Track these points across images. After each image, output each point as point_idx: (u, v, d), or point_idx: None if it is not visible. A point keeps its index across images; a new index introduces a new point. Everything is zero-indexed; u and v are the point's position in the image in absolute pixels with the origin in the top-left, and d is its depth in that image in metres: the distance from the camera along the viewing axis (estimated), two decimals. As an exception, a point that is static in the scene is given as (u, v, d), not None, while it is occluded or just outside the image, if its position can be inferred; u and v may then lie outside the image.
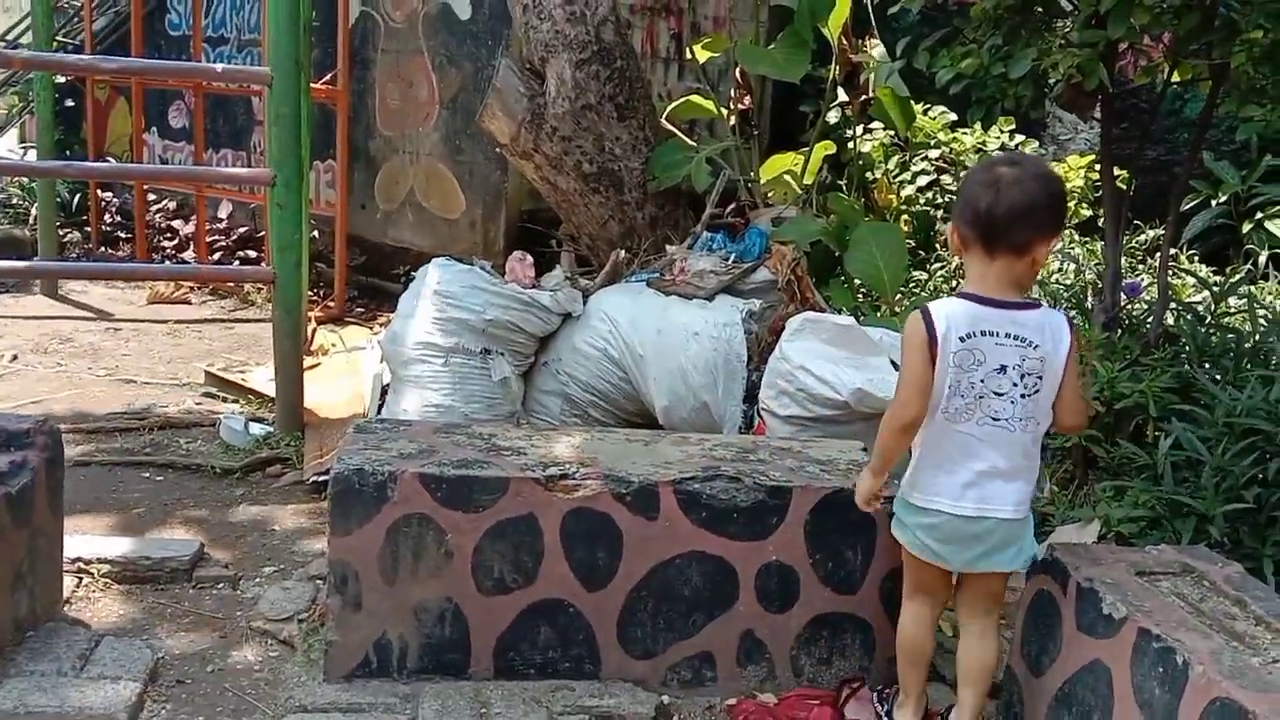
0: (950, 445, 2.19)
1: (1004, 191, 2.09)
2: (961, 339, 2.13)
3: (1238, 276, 5.03)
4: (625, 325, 3.86)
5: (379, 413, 3.95)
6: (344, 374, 4.72)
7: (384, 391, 4.02)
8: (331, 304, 6.20)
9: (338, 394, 4.41)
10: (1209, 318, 4.14)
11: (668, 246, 4.46)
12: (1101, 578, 2.22)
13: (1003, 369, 2.14)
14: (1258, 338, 3.89)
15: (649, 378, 3.77)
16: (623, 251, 4.42)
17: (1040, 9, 3.91)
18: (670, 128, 5.08)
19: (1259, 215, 5.94)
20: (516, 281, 3.94)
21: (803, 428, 3.38)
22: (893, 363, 3.43)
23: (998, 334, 2.14)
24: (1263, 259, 5.75)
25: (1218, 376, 3.59)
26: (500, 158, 5.47)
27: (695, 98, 5.34)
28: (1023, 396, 2.15)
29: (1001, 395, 2.15)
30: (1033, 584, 2.40)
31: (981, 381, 2.14)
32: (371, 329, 5.79)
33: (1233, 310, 4.41)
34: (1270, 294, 5.31)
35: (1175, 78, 4.13)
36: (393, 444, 2.52)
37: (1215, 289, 4.34)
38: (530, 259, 4.08)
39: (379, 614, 2.39)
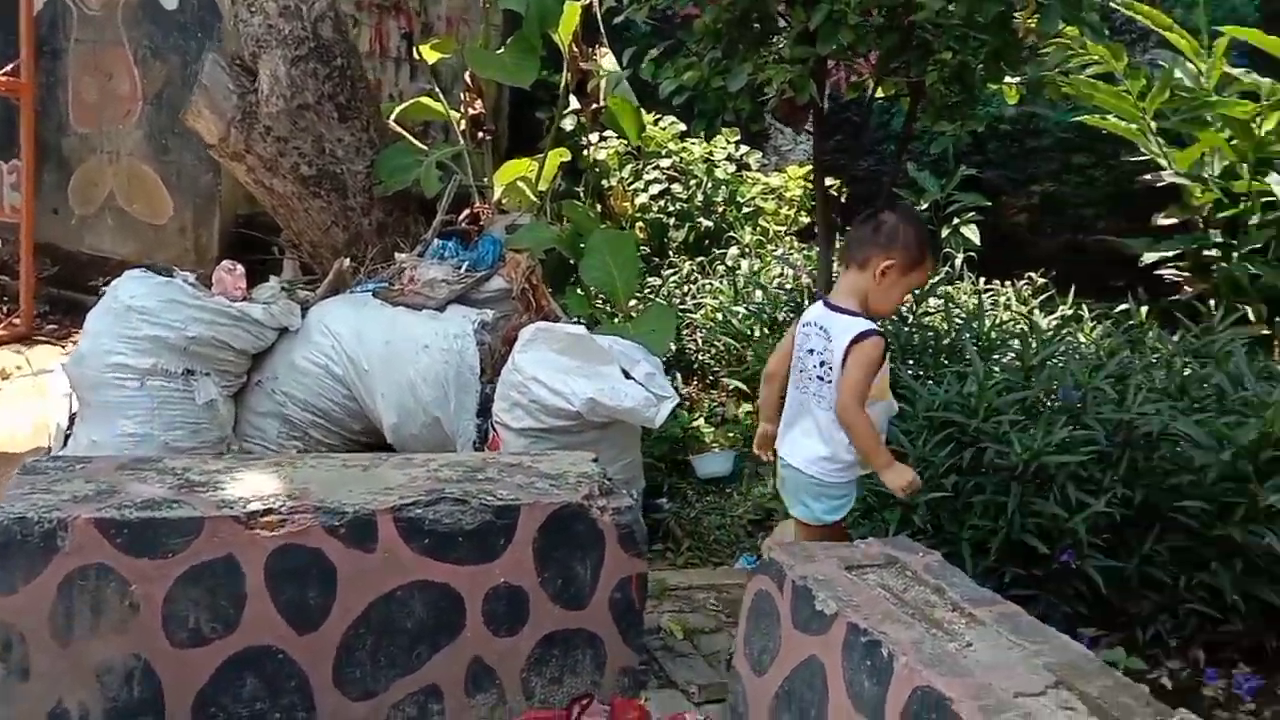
0: (788, 403, 2.77)
1: (860, 222, 2.70)
2: (803, 325, 2.73)
3: (936, 278, 5.45)
4: (349, 339, 3.66)
5: (65, 445, 3.54)
6: (30, 400, 4.23)
7: (73, 420, 3.61)
8: (17, 321, 5.56)
9: (21, 424, 3.94)
10: (911, 318, 4.45)
11: (396, 254, 4.29)
12: (815, 575, 2.30)
13: (810, 351, 2.67)
14: (953, 335, 4.22)
15: (376, 394, 3.59)
16: (347, 260, 4.20)
17: (757, 24, 4.06)
18: (399, 130, 4.90)
19: (955, 221, 6.49)
20: (225, 293, 3.65)
21: (537, 439, 3.33)
22: (624, 371, 3.45)
23: (815, 325, 2.67)
24: (959, 261, 6.28)
25: (919, 373, 3.85)
26: (213, 158, 5.08)
27: (425, 99, 5.18)
28: (819, 378, 2.66)
29: (805, 372, 2.70)
30: (753, 584, 2.46)
31: (800, 357, 2.71)
32: (64, 348, 5.23)
33: (932, 310, 4.77)
34: (965, 294, 5.79)
35: (880, 93, 4.42)
36: (66, 485, 2.24)
37: (915, 291, 4.67)
38: (240, 269, 3.79)
39: (52, 680, 2.11)
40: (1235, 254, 5.26)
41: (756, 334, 4.99)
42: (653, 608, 3.12)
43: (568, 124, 5.99)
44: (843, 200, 5.26)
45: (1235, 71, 5.36)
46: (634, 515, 2.52)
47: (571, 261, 4.69)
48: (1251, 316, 5.26)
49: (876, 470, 2.68)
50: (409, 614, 2.33)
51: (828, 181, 4.93)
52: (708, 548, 3.74)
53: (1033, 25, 3.64)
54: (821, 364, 2.64)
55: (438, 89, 5.13)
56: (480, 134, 5.04)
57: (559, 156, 5.41)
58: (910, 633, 2.07)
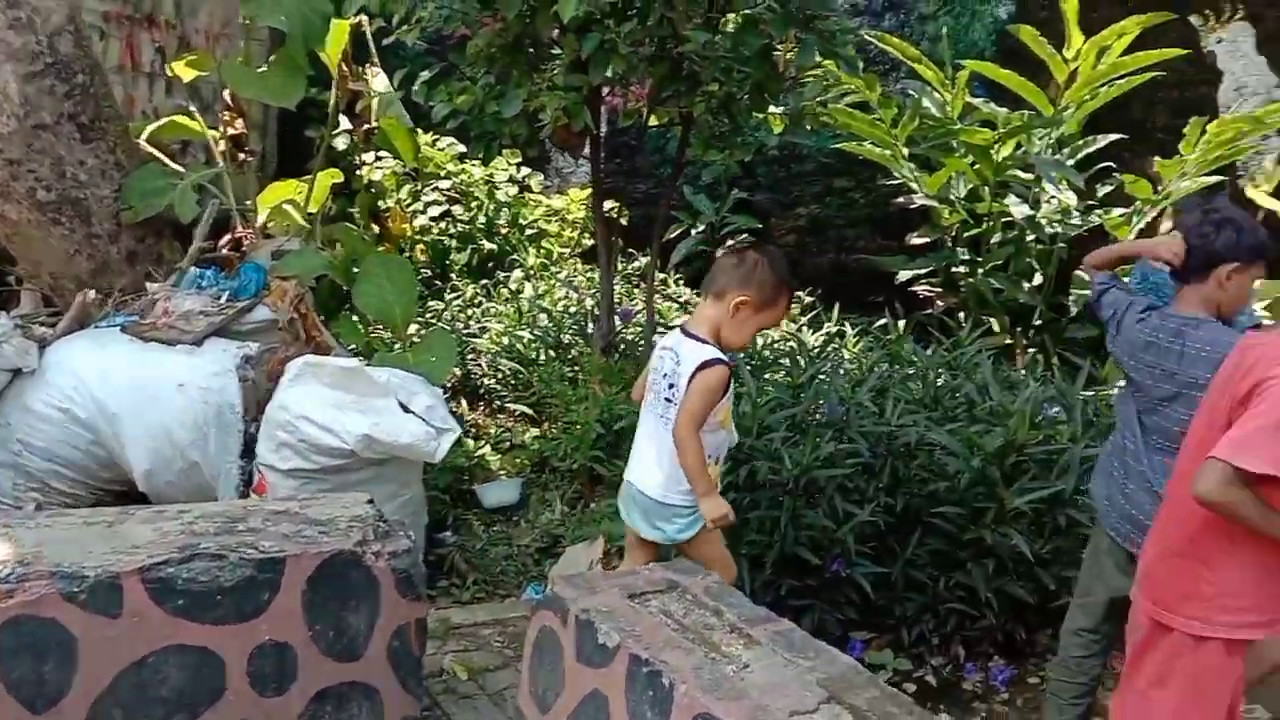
0: (640, 425, 2.81)
1: (724, 255, 2.81)
2: (659, 349, 2.79)
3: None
4: (93, 378, 3.36)
5: None
6: None
7: None
8: None
9: None
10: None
11: (148, 285, 3.98)
12: (598, 607, 2.29)
13: (663, 375, 2.72)
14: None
15: (125, 439, 3.31)
16: (92, 292, 3.87)
17: (530, 50, 4.05)
18: (152, 151, 4.56)
19: (730, 242, 6.72)
20: (-55, 334, 3.28)
21: (307, 481, 3.16)
22: (402, 404, 3.34)
23: (670, 349, 2.73)
24: (735, 281, 6.50)
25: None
26: (-69, 181, 4.56)
27: (179, 118, 4.85)
28: (666, 400, 2.70)
29: (656, 394, 2.74)
30: (536, 620, 2.43)
31: (654, 380, 2.76)
32: None
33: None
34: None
35: (653, 121, 4.51)
36: None
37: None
38: (-37, 304, 3.42)
39: None
40: (980, 270, 5.71)
41: (541, 358, 4.97)
42: (436, 649, 3.03)
43: (339, 143, 5.79)
44: (623, 222, 5.35)
45: (976, 101, 5.83)
46: (412, 559, 2.43)
47: (345, 288, 4.51)
48: (996, 327, 5.73)
49: (696, 495, 2.67)
50: (163, 681, 2.15)
51: (607, 204, 4.98)
52: (494, 580, 3.67)
53: (792, 59, 3.82)
54: (670, 387, 2.69)
55: (194, 107, 4.83)
56: (242, 154, 4.78)
57: (330, 178, 5.20)
58: (690, 659, 2.09)
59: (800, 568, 3.21)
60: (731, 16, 3.89)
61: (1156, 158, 5.54)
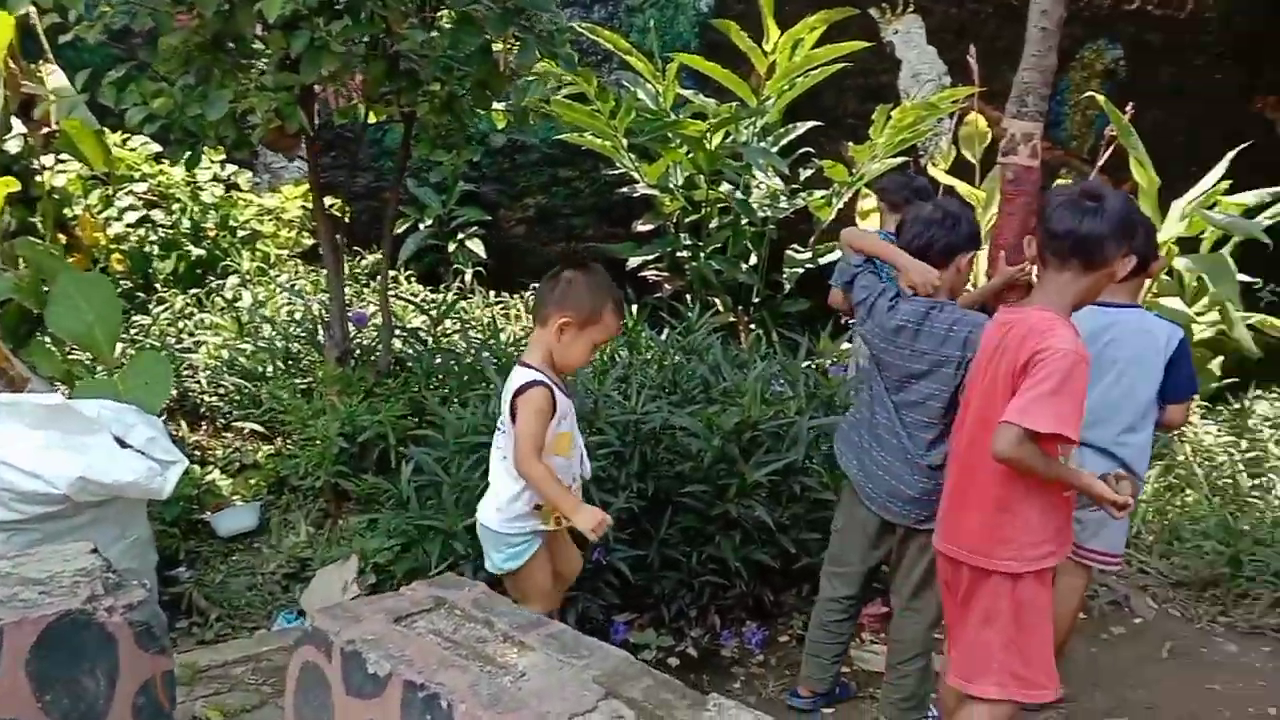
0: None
1: (545, 280, 2.77)
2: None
3: (451, 297, 5.55)
4: None
5: None
6: None
7: None
8: None
9: None
10: (430, 340, 4.48)
11: None
12: (363, 636, 2.21)
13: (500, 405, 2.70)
14: (473, 354, 4.31)
15: None
16: None
17: (233, 48, 3.79)
18: None
19: (460, 235, 6.65)
20: None
21: (15, 533, 2.84)
22: (118, 439, 3.06)
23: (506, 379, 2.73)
24: (469, 276, 6.45)
25: (445, 398, 3.89)
26: None
27: None
28: (498, 429, 2.72)
29: (499, 426, 2.72)
30: (297, 657, 2.31)
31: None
32: None
33: (450, 331, 4.84)
34: (478, 309, 5.97)
35: (372, 118, 4.36)
36: None
37: (433, 313, 4.71)
38: None
39: None
40: (702, 254, 5.99)
41: (269, 371, 4.70)
42: (185, 696, 2.83)
43: (12, 147, 5.17)
44: (346, 219, 5.15)
45: (686, 93, 6.08)
46: (150, 609, 2.24)
47: (35, 311, 4.06)
48: (720, 307, 6.03)
49: (568, 516, 2.63)
50: None
51: (328, 200, 4.78)
52: (239, 614, 3.45)
53: (512, 58, 3.81)
54: (498, 418, 2.71)
55: None
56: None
57: (5, 186, 4.65)
58: (466, 676, 2.07)
59: (562, 562, 3.25)
60: (447, 14, 3.82)
61: (849, 142, 6.03)
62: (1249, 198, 5.77)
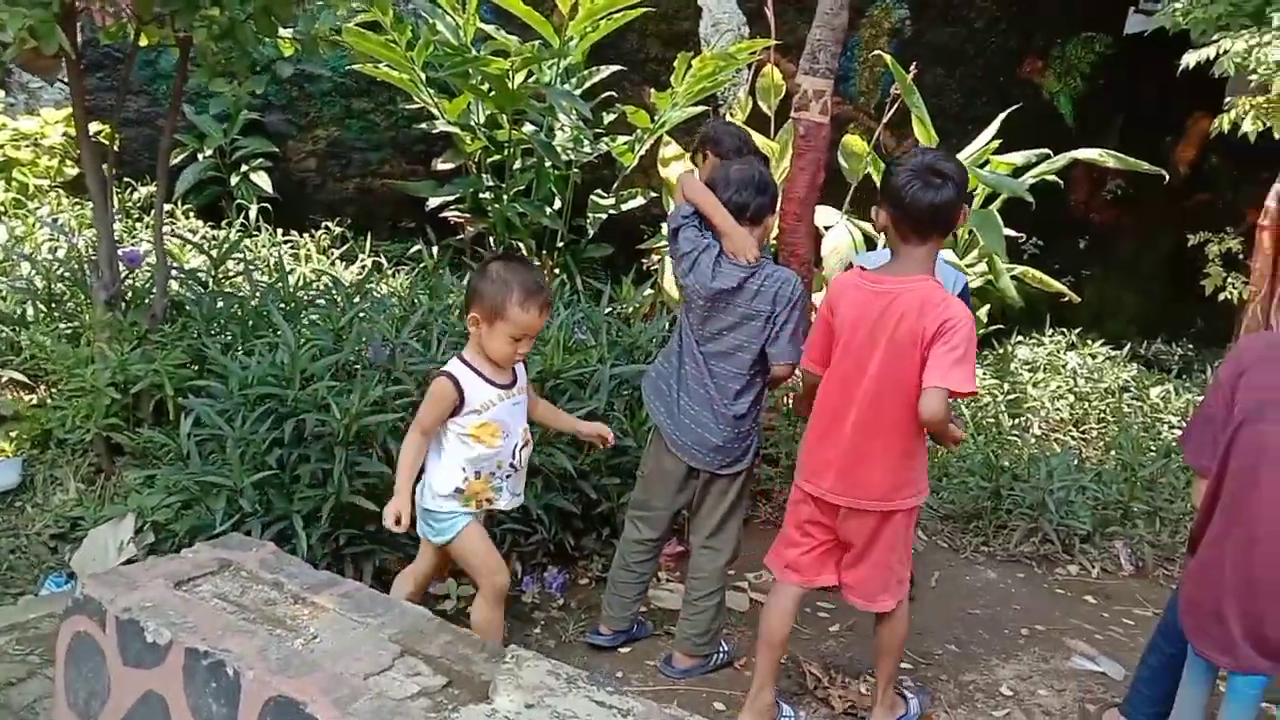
0: None
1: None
2: None
3: (234, 235, 5.22)
4: None
5: None
6: None
7: None
8: None
9: None
10: (211, 283, 4.21)
11: None
12: (141, 604, 2.10)
13: None
14: (258, 298, 4.08)
15: None
16: None
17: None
18: None
19: (244, 168, 6.25)
20: None
21: None
22: None
23: None
24: (253, 212, 6.08)
25: (229, 345, 3.68)
26: None
27: None
28: None
29: None
30: (67, 626, 2.17)
31: None
32: None
33: (233, 272, 4.56)
34: (264, 246, 5.65)
35: (144, 41, 4.00)
36: None
37: (214, 252, 4.41)
38: None
39: None
40: (505, 196, 5.89)
41: (30, 314, 4.30)
42: (-65, 673, 2.59)
43: None
44: (115, 148, 4.70)
45: (488, 28, 5.91)
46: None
47: None
48: (524, 251, 5.97)
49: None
50: None
51: (94, 126, 4.36)
52: (2, 578, 3.18)
53: (301, -19, 3.58)
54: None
55: None
56: None
57: None
58: (255, 641, 2.00)
59: (359, 515, 3.17)
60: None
61: (651, 89, 6.05)
62: (1017, 158, 6.20)
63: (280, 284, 4.17)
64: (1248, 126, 6.01)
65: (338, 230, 6.15)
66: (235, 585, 2.25)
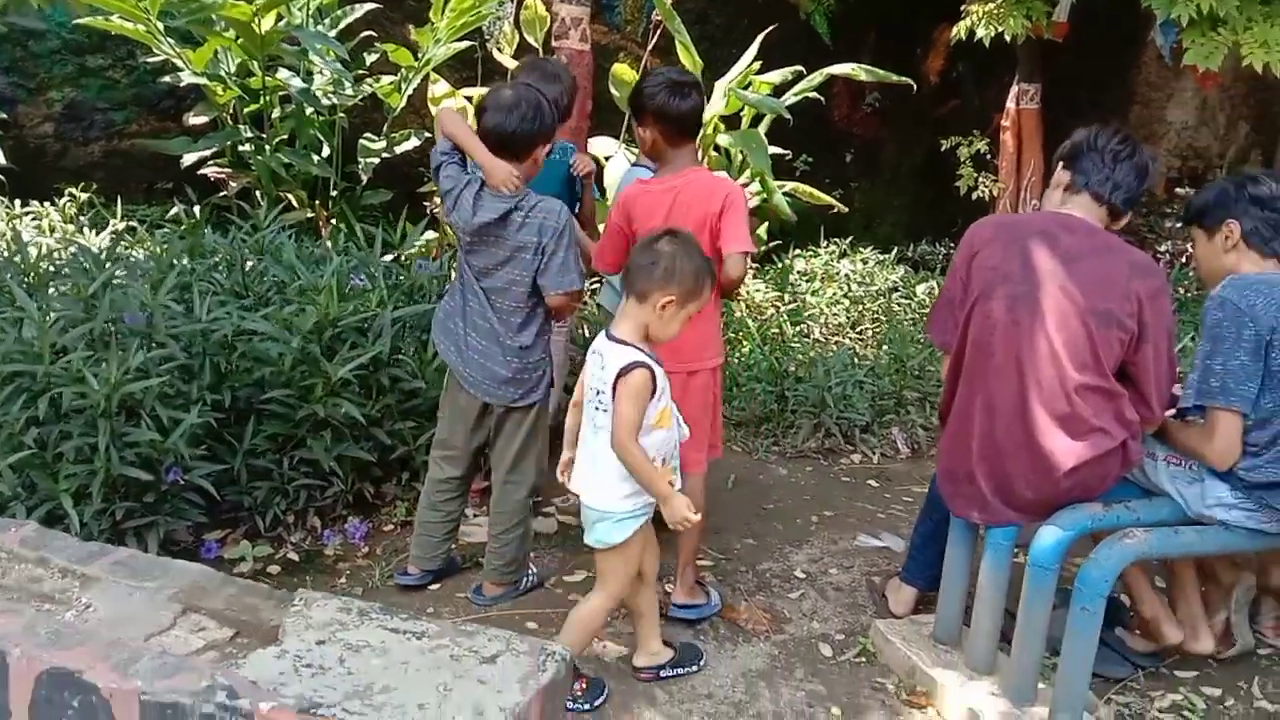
0: (581, 430, 2.65)
1: (640, 249, 2.56)
2: (590, 352, 2.61)
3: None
4: None
5: None
6: None
7: None
8: None
9: None
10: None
11: None
12: (-117, 601, 1.94)
13: (591, 382, 2.58)
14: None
15: None
16: None
17: None
18: None
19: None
20: None
21: None
22: None
23: (597, 353, 2.57)
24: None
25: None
26: None
27: None
28: (595, 407, 2.56)
29: (588, 400, 2.59)
30: None
31: (586, 385, 2.62)
32: None
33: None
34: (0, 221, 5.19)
35: None
36: None
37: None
38: None
39: None
40: (267, 146, 5.62)
41: None
42: None
43: None
44: None
45: (228, -29, 5.56)
46: None
47: None
48: (295, 203, 5.74)
49: (660, 501, 2.53)
50: None
51: None
52: None
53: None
54: (597, 394, 2.56)
55: None
56: None
57: None
58: (19, 620, 1.89)
59: (134, 487, 3.02)
60: None
61: (411, 26, 5.88)
62: (775, 76, 6.41)
63: (19, 257, 3.86)
64: (981, 32, 6.46)
65: (84, 197, 5.71)
66: (-7, 569, 2.11)
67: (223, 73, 5.59)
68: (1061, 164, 2.77)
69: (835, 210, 6.95)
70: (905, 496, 4.28)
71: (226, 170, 5.77)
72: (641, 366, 2.47)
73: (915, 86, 6.66)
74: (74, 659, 1.79)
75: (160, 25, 5.26)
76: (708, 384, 3.06)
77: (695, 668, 2.91)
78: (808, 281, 6.68)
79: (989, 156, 7.76)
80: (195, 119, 5.91)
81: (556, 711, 1.87)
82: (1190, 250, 3.09)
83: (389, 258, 4.36)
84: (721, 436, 3.23)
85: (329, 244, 4.67)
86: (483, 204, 2.91)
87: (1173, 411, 2.81)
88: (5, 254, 3.99)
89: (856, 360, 5.29)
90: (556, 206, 2.96)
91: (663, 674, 2.86)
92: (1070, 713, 2.58)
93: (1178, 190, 8.02)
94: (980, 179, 7.66)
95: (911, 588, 3.24)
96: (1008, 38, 6.43)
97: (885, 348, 5.60)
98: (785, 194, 6.55)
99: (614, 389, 2.49)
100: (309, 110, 5.67)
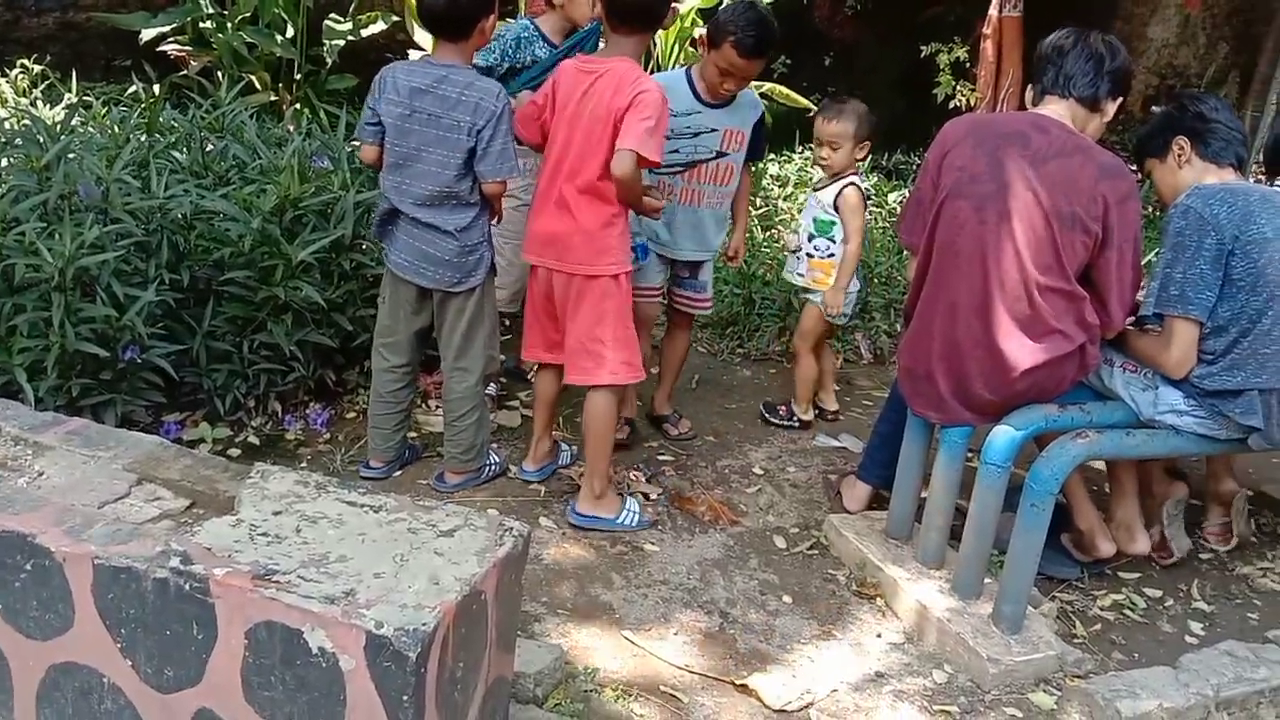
0: None
1: None
2: None
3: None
4: None
5: None
6: None
7: None
8: None
9: None
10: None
11: None
12: None
13: None
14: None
15: None
16: None
17: None
18: None
19: None
20: None
21: None
22: None
23: None
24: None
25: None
26: None
27: None
28: None
29: None
30: None
31: None
32: None
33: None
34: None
35: None
36: None
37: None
38: None
39: None
40: (229, 24, 5.43)
41: None
42: None
43: None
44: None
45: None
46: None
47: None
48: (257, 85, 5.57)
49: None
50: None
51: None
52: None
53: None
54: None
55: None
56: None
57: None
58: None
59: (90, 364, 2.98)
60: None
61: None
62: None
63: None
64: (966, -64, 6.29)
65: (38, 69, 5.51)
66: (-52, 438, 2.09)
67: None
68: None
69: (812, 114, 6.83)
70: (865, 400, 4.33)
71: (187, 49, 5.57)
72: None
73: (898, -11, 6.52)
74: (25, 523, 1.79)
75: (114, -111, 5.02)
76: (611, 296, 2.94)
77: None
78: (780, 186, 6.62)
79: (968, 65, 7.65)
80: (154, -7, 5.68)
81: (513, 584, 1.90)
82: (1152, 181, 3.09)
83: (355, 143, 4.26)
84: (641, 358, 3.09)
85: (290, 126, 4.55)
86: (413, 70, 2.90)
87: (1132, 319, 2.83)
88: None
89: (825, 265, 5.27)
90: (494, 87, 2.86)
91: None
92: (1014, 605, 2.65)
93: (1154, 109, 7.98)
94: (958, 87, 7.57)
95: (866, 485, 3.29)
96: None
97: (854, 254, 5.57)
98: (762, 95, 6.44)
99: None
100: (272, -13, 5.47)
